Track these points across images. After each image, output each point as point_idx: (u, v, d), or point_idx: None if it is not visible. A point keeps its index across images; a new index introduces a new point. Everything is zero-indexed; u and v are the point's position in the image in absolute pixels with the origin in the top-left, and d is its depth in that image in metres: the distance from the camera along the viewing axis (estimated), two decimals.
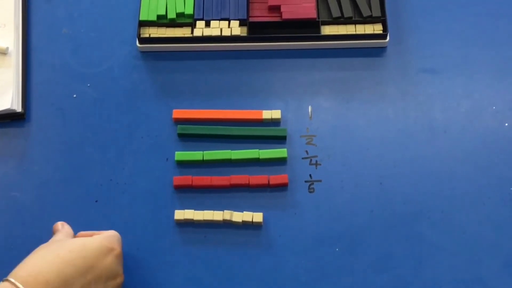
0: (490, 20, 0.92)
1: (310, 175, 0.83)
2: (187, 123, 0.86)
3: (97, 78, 0.90)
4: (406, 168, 0.83)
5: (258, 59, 0.90)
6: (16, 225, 0.81)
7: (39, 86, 0.90)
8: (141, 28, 0.91)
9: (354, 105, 0.87)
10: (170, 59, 0.91)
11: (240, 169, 0.84)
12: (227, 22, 0.90)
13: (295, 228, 0.80)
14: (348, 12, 0.91)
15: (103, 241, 0.70)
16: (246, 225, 0.80)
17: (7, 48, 0.90)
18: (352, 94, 0.88)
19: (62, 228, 0.74)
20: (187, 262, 0.79)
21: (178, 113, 0.86)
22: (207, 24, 0.90)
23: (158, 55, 0.91)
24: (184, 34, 0.91)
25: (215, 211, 0.80)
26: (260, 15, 0.92)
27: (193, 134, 0.85)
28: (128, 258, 0.76)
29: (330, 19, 0.91)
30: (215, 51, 0.91)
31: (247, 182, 0.82)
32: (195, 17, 0.91)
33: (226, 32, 0.90)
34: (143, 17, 0.91)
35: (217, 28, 0.90)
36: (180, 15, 0.91)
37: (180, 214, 0.80)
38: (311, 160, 0.84)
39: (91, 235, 0.73)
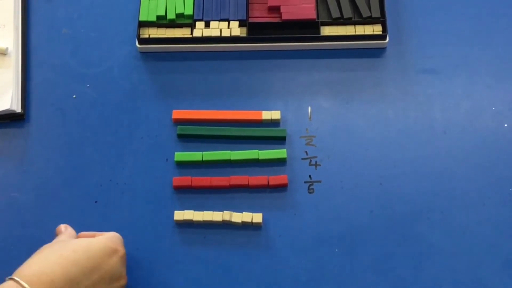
0: (489, 20, 0.92)
1: (309, 176, 0.83)
2: (187, 123, 0.86)
3: (97, 78, 0.90)
4: (406, 169, 0.83)
5: (257, 60, 0.90)
6: (16, 225, 0.81)
7: (38, 87, 0.90)
8: (141, 28, 0.91)
9: (354, 106, 0.87)
10: (170, 59, 0.91)
11: (240, 169, 0.84)
12: (226, 22, 0.90)
13: (295, 229, 0.80)
14: (347, 12, 0.91)
15: (107, 242, 0.70)
16: (245, 225, 0.80)
17: (7, 48, 0.90)
18: (352, 94, 0.88)
19: (65, 230, 0.74)
20: (187, 262, 0.79)
21: (177, 114, 0.86)
22: (207, 25, 0.90)
23: (157, 56, 0.91)
24: (183, 34, 0.91)
25: (215, 212, 0.80)
26: (259, 15, 0.92)
27: (192, 134, 0.85)
28: (128, 258, 0.76)
29: (329, 20, 0.91)
30: (215, 52, 0.91)
31: (247, 183, 0.82)
32: (195, 17, 0.91)
33: (226, 33, 0.90)
34: (142, 17, 0.91)
35: (217, 28, 0.90)
36: (179, 15, 0.91)
37: (180, 215, 0.80)
38: (310, 160, 0.84)
39: (92, 236, 0.73)
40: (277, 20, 0.91)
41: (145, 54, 0.91)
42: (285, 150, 0.84)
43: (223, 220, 0.80)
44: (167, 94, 0.89)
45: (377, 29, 0.90)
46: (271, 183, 0.82)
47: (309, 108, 0.87)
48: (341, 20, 0.91)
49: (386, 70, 0.89)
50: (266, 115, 0.86)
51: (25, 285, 0.61)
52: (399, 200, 0.81)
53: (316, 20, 0.90)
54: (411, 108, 0.87)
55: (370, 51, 0.90)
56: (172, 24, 0.91)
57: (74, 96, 0.89)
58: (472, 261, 0.78)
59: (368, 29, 0.90)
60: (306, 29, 0.90)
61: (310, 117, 0.87)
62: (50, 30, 0.94)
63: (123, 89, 0.89)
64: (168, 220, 0.81)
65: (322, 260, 0.78)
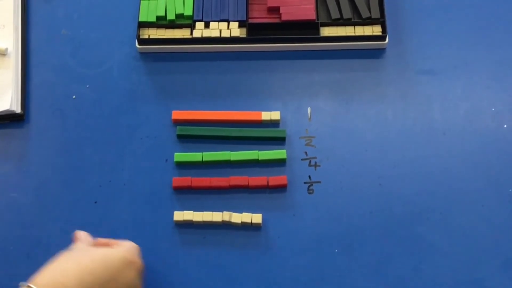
0: (489, 21, 0.92)
1: (309, 176, 0.83)
2: (187, 124, 0.86)
3: (97, 79, 0.90)
4: (406, 169, 0.83)
5: (257, 60, 0.91)
6: (15, 226, 0.81)
7: (38, 87, 0.90)
8: (141, 29, 0.91)
9: (353, 107, 0.87)
10: (170, 60, 0.91)
11: (239, 170, 0.84)
12: (226, 23, 0.90)
13: (294, 229, 0.80)
14: (347, 13, 0.91)
15: (125, 253, 0.70)
16: (245, 226, 0.80)
17: (7, 49, 0.90)
18: (351, 95, 0.88)
19: (83, 237, 0.73)
20: (187, 263, 0.79)
21: (177, 114, 0.86)
22: (207, 25, 0.91)
23: (157, 56, 0.91)
24: (183, 35, 0.91)
25: (214, 212, 0.80)
26: (259, 16, 0.92)
27: (192, 135, 0.85)
28: None
29: (329, 21, 0.91)
30: (215, 52, 0.91)
31: (246, 183, 0.82)
32: (195, 18, 0.91)
33: (226, 34, 0.90)
34: (142, 18, 0.91)
35: (217, 29, 0.90)
36: (179, 16, 0.91)
37: (180, 215, 0.80)
38: (310, 161, 0.84)
39: (108, 243, 0.72)
40: (276, 20, 0.91)
41: (144, 55, 0.91)
42: (284, 150, 0.84)
43: (222, 221, 0.80)
44: (167, 95, 0.89)
45: (376, 30, 0.90)
46: (270, 183, 0.82)
47: (309, 109, 0.87)
48: (341, 21, 0.91)
49: (385, 71, 0.89)
50: (266, 115, 0.86)
51: None
52: (399, 201, 0.81)
53: (316, 21, 0.90)
54: (410, 109, 0.87)
55: (369, 52, 0.90)
56: (171, 25, 0.91)
57: (74, 97, 0.89)
58: (471, 261, 0.78)
59: (367, 30, 0.90)
60: (306, 29, 0.90)
61: (310, 118, 0.87)
62: (49, 31, 0.94)
63: (122, 89, 0.89)
64: (168, 220, 0.81)
65: (321, 261, 0.78)
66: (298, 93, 0.88)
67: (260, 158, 0.83)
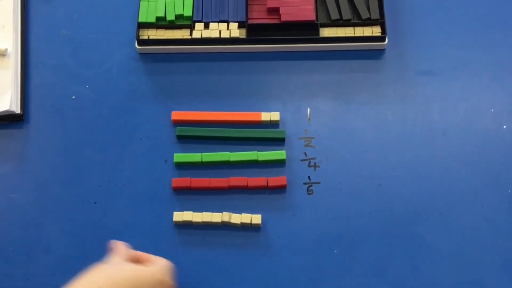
0: (488, 22, 0.92)
1: (308, 177, 0.83)
2: (186, 125, 0.86)
3: (96, 79, 0.90)
4: (405, 170, 0.83)
5: (257, 61, 0.91)
6: (15, 226, 0.81)
7: (38, 88, 0.90)
8: (140, 29, 0.91)
9: (353, 107, 0.87)
10: (169, 61, 0.91)
11: (239, 171, 0.84)
12: (226, 24, 0.90)
13: (294, 230, 0.80)
14: (347, 14, 0.91)
15: (157, 273, 0.69)
16: (244, 227, 0.80)
17: (6, 49, 0.90)
18: (351, 96, 0.88)
19: (120, 248, 0.72)
20: (186, 263, 0.79)
21: (177, 115, 0.87)
22: (206, 26, 0.91)
23: (157, 57, 0.91)
24: (183, 36, 0.91)
25: (214, 213, 0.80)
26: (259, 17, 0.92)
27: (192, 136, 0.85)
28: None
29: (329, 22, 0.91)
30: (214, 53, 0.91)
31: (246, 184, 0.82)
32: (194, 19, 0.91)
33: (225, 34, 0.90)
34: (142, 19, 0.91)
35: (216, 30, 0.90)
36: (179, 17, 0.91)
37: (179, 216, 0.80)
38: (309, 162, 0.84)
39: (143, 259, 0.72)
40: (276, 21, 0.91)
41: (144, 55, 0.91)
42: (284, 151, 0.84)
43: (222, 221, 0.80)
44: (166, 95, 0.89)
45: (376, 31, 0.90)
46: (270, 184, 0.82)
47: (308, 110, 0.87)
48: (340, 21, 0.91)
49: (385, 72, 0.89)
50: (265, 116, 0.86)
51: None
52: (398, 202, 0.81)
53: (315, 22, 0.90)
54: (410, 110, 0.87)
55: (369, 53, 0.90)
56: (171, 25, 0.91)
57: (74, 97, 0.89)
58: (470, 262, 0.78)
59: (367, 31, 0.90)
60: (305, 30, 0.90)
61: (309, 119, 0.87)
62: (49, 31, 0.94)
63: (122, 90, 0.89)
64: (167, 221, 0.81)
65: (321, 261, 0.78)
66: (298, 93, 0.88)
67: (259, 159, 0.83)
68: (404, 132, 0.85)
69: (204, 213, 0.80)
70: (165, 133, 0.86)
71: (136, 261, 0.71)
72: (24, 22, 0.94)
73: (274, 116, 0.86)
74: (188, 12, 0.91)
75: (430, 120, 0.86)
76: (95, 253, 0.79)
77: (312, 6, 0.91)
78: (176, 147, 0.85)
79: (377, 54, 0.91)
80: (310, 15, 0.90)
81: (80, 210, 0.82)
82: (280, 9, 0.90)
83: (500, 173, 0.83)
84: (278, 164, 0.84)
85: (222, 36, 0.90)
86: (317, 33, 0.90)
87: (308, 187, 0.83)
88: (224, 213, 0.80)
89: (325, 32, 0.90)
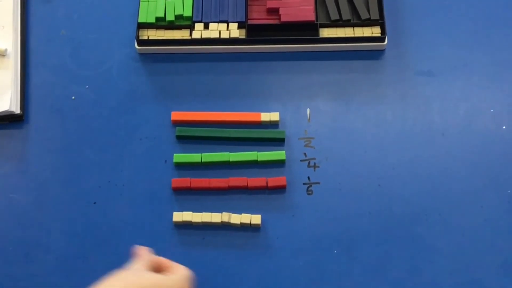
0: (487, 23, 0.92)
1: (308, 177, 0.83)
2: (186, 125, 0.86)
3: (96, 80, 0.90)
4: (405, 170, 0.83)
5: (256, 62, 0.91)
6: (14, 226, 0.81)
7: (37, 88, 0.90)
8: (140, 30, 0.91)
9: (352, 108, 0.87)
10: (169, 61, 0.91)
11: (239, 171, 0.84)
12: (225, 24, 0.90)
13: (293, 230, 0.80)
14: (346, 15, 0.91)
15: (177, 283, 0.68)
16: (244, 227, 0.80)
17: (6, 49, 0.90)
18: (350, 96, 0.88)
19: (143, 254, 0.71)
20: (186, 264, 0.78)
21: (176, 115, 0.87)
22: (206, 27, 0.91)
23: (156, 57, 0.91)
24: (182, 36, 0.91)
25: (214, 213, 0.80)
26: (258, 17, 0.92)
27: (191, 136, 0.85)
28: (126, 259, 0.76)
29: (328, 22, 0.91)
30: (214, 53, 0.91)
31: (246, 184, 0.82)
32: (194, 19, 0.91)
33: (225, 35, 0.90)
34: (141, 19, 0.91)
35: (216, 30, 0.90)
36: (178, 17, 0.91)
37: (179, 216, 0.80)
38: (309, 162, 0.84)
39: (165, 266, 0.70)
40: (276, 22, 0.91)
41: (144, 56, 0.91)
42: (283, 151, 0.84)
43: (221, 222, 0.80)
44: (166, 96, 0.89)
45: (375, 31, 0.90)
46: (269, 184, 0.82)
47: (308, 110, 0.87)
48: (340, 22, 0.91)
49: (384, 72, 0.89)
50: (265, 116, 0.86)
51: None
52: (398, 202, 0.81)
53: (315, 22, 0.90)
54: (409, 110, 0.87)
55: (368, 53, 0.90)
56: (171, 26, 0.91)
57: (73, 98, 0.89)
58: (470, 262, 0.78)
59: (366, 31, 0.90)
60: (305, 31, 0.90)
61: (309, 119, 0.87)
62: (49, 32, 0.94)
63: (122, 90, 0.89)
64: (167, 221, 0.81)
65: (320, 262, 0.78)
66: (297, 94, 0.88)
67: (259, 159, 0.83)
68: (404, 132, 0.85)
69: (203, 213, 0.80)
70: (165, 133, 0.86)
71: (158, 267, 0.70)
72: (24, 22, 0.94)
73: (274, 116, 0.86)
74: (187, 12, 0.91)
75: (430, 120, 0.86)
76: (95, 253, 0.79)
77: (311, 7, 0.91)
78: (175, 147, 0.85)
79: (377, 54, 0.91)
80: (310, 16, 0.90)
81: (80, 210, 0.82)
82: (280, 9, 0.90)
83: (500, 173, 0.83)
84: (278, 164, 0.84)
85: (221, 36, 0.90)
86: (317, 33, 0.90)
87: (308, 187, 0.83)
88: (223, 213, 0.80)
89: (325, 32, 0.90)
